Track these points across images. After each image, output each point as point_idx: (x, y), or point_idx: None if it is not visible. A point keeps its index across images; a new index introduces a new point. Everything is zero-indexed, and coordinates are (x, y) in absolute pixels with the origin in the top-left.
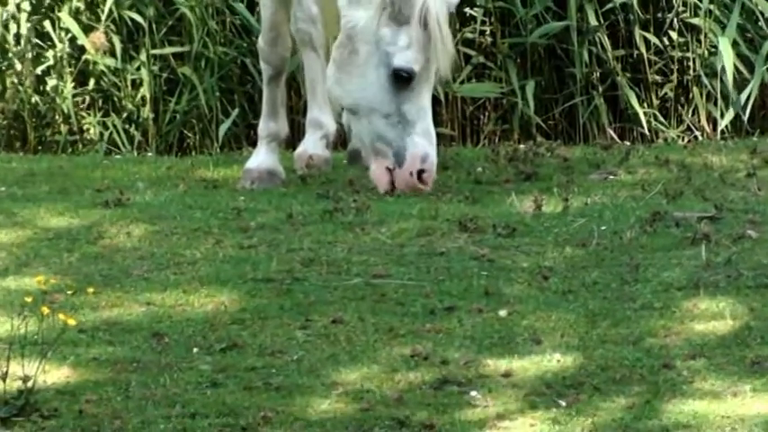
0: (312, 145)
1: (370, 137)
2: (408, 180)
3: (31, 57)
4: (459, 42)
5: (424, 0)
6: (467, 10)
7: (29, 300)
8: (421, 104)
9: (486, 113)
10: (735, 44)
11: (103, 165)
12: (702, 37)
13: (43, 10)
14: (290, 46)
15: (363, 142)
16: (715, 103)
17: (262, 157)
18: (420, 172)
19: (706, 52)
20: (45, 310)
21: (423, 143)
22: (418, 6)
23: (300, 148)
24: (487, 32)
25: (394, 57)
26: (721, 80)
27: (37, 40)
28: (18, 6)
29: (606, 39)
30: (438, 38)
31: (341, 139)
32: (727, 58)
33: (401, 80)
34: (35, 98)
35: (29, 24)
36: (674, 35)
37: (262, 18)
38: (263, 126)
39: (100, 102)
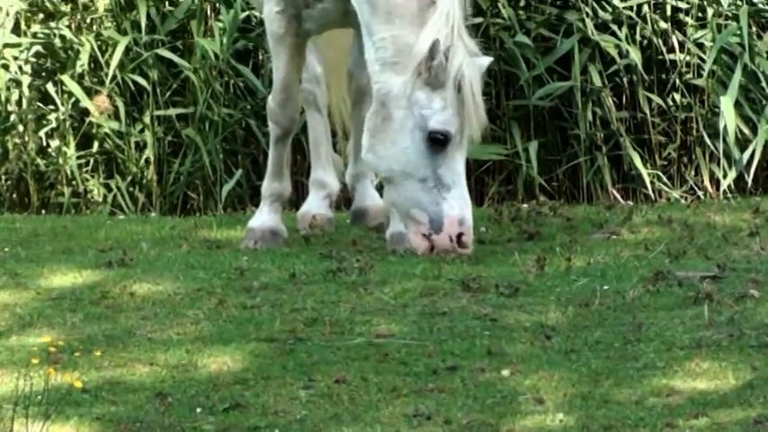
0: (315, 205)
1: (406, 204)
2: (448, 245)
3: (34, 119)
4: None
5: (459, 65)
6: None
7: (34, 360)
8: (456, 168)
9: (491, 175)
10: (737, 105)
11: (107, 225)
12: (705, 98)
13: (44, 74)
14: (300, 108)
15: (399, 210)
16: (718, 164)
17: (265, 217)
18: (459, 236)
19: (709, 113)
20: (51, 371)
21: (459, 206)
22: (454, 71)
23: (304, 208)
24: (492, 94)
25: (430, 119)
26: (724, 140)
27: (39, 104)
28: (20, 69)
29: (610, 100)
30: (471, 102)
31: (344, 199)
32: (729, 119)
33: (437, 143)
34: (38, 160)
35: (31, 87)
36: (677, 96)
37: (274, 79)
38: (267, 185)
39: (103, 164)
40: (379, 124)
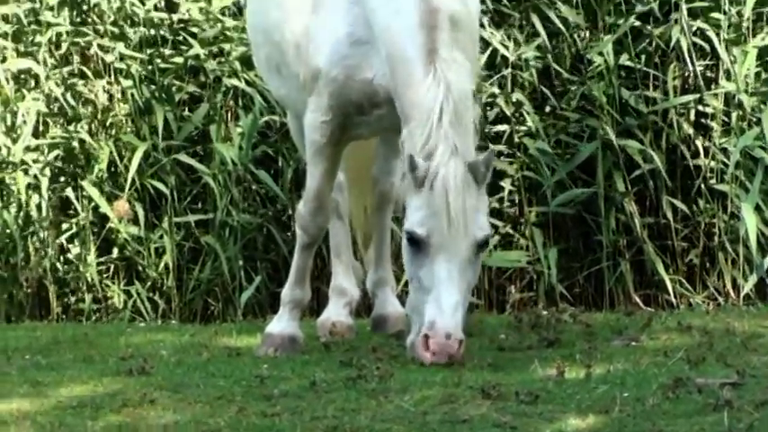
0: (335, 312)
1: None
2: (417, 347)
3: (54, 225)
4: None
5: (437, 164)
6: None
7: None
8: (436, 272)
9: (512, 282)
10: (758, 209)
11: (127, 333)
12: (729, 203)
13: (64, 178)
14: (330, 217)
15: None
16: (739, 269)
17: (284, 324)
18: (426, 338)
19: (731, 217)
20: None
21: (432, 311)
22: (430, 170)
23: (324, 316)
24: (515, 201)
25: (406, 220)
26: (745, 246)
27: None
28: (40, 172)
29: (634, 206)
30: (443, 203)
31: (365, 306)
32: (750, 225)
33: (414, 244)
34: (58, 266)
35: (50, 192)
36: (701, 202)
37: (307, 187)
38: (289, 292)
39: (123, 270)
40: None
